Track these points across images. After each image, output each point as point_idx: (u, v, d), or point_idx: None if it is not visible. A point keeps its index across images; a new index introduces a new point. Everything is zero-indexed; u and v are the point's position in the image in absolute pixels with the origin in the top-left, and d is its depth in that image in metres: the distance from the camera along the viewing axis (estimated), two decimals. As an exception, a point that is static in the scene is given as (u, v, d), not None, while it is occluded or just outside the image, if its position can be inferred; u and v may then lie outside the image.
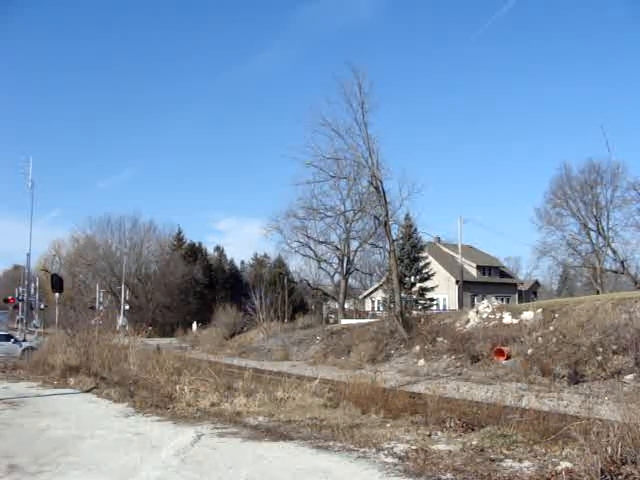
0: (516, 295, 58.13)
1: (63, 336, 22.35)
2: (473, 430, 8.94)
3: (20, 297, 37.45)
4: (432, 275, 44.10)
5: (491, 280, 56.81)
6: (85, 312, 29.84)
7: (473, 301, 47.67)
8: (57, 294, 32.87)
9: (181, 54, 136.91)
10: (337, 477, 6.37)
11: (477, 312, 28.34)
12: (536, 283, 65.90)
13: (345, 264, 50.05)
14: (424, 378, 21.87)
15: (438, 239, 58.15)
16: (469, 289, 51.91)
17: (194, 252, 73.25)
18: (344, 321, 43.30)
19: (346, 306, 51.56)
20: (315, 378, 13.98)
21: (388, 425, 9.62)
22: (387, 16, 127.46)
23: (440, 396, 14.74)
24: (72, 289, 63.19)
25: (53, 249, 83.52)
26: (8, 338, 29.41)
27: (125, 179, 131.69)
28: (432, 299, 44.34)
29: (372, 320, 40.30)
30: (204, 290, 68.74)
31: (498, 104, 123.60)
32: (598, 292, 43.64)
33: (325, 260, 51.56)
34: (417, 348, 27.37)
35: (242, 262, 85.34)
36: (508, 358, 22.22)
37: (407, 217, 40.87)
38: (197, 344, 43.84)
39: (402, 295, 33.19)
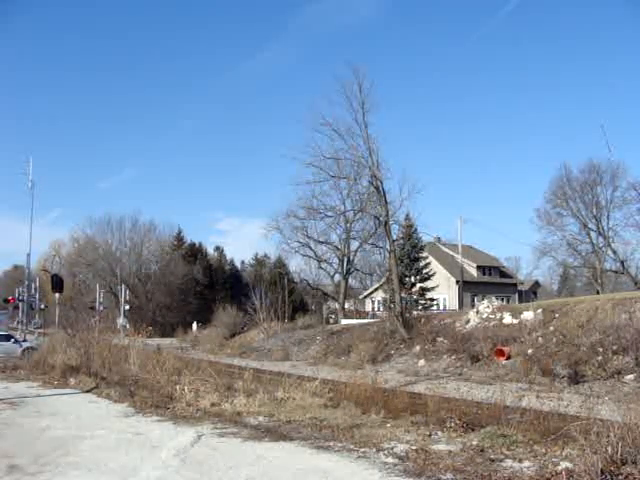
0: (516, 295, 58.10)
1: (63, 336, 22.37)
2: (473, 430, 8.94)
3: (20, 297, 37.41)
4: (432, 275, 44.17)
5: (491, 280, 56.80)
6: (85, 312, 29.88)
7: (473, 301, 47.67)
8: (57, 294, 32.93)
9: (181, 54, 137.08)
10: (337, 477, 6.37)
11: (477, 312, 28.34)
12: (536, 283, 65.89)
13: (345, 264, 50.04)
14: (424, 378, 21.86)
15: (438, 239, 58.13)
16: (469, 289, 51.90)
17: (194, 252, 73.17)
18: (344, 321, 43.28)
19: (346, 306, 51.52)
20: (315, 378, 13.98)
21: (388, 425, 9.62)
22: (388, 16, 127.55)
23: (440, 396, 14.78)
24: (72, 289, 63.21)
25: (53, 249, 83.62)
26: (8, 338, 29.37)
27: (125, 179, 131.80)
28: (432, 299, 44.40)
29: (372, 320, 40.29)
30: (204, 290, 68.69)
31: (498, 104, 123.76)
32: (598, 292, 43.64)
33: (325, 260, 51.56)
34: (417, 348, 27.37)
35: (242, 262, 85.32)
36: (508, 358, 22.22)
37: (407, 217, 40.99)
38: (197, 344, 43.85)
39: (402, 295, 33.19)
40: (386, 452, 7.39)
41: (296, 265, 59.88)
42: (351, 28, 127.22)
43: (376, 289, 54.58)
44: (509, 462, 6.77)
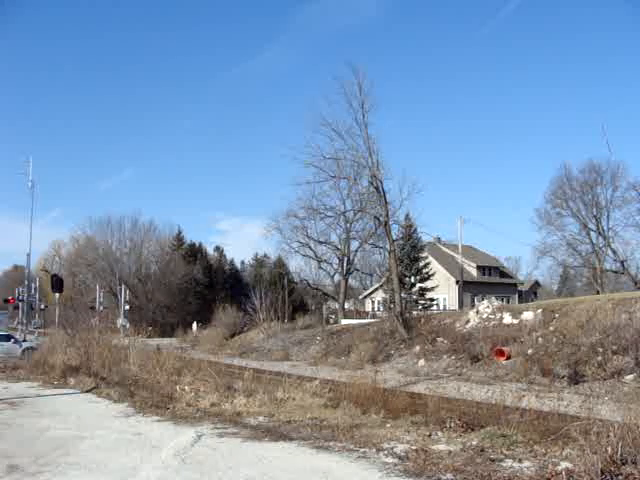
0: (516, 295, 58.12)
1: (63, 336, 22.36)
2: (473, 430, 8.94)
3: (20, 297, 37.41)
4: (432, 275, 44.16)
5: (491, 280, 56.79)
6: (85, 312, 29.87)
7: (473, 301, 47.66)
8: (57, 294, 32.90)
9: (181, 54, 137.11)
10: (337, 477, 6.37)
11: (477, 312, 28.32)
12: (536, 283, 65.90)
13: (345, 264, 50.03)
14: (424, 378, 21.86)
15: (438, 239, 58.13)
16: (469, 289, 51.90)
17: (194, 252, 73.18)
18: (344, 321, 43.28)
19: (346, 306, 51.52)
20: (315, 378, 14.02)
21: (388, 425, 9.62)
22: (388, 16, 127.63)
23: (440, 396, 14.79)
24: (72, 289, 63.16)
25: (53, 249, 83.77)
26: (8, 338, 29.37)
27: (125, 179, 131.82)
28: (432, 299, 44.40)
29: (372, 320, 40.28)
30: (204, 290, 68.67)
31: (499, 104, 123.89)
32: (598, 292, 43.62)
33: (325, 260, 51.55)
34: (417, 348, 27.36)
35: (242, 262, 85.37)
36: (508, 358, 22.21)
37: (407, 217, 40.94)
38: (197, 344, 43.79)
39: (402, 295, 33.18)
40: (386, 452, 7.39)
41: (296, 265, 60.10)
42: (351, 28, 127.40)
43: (376, 289, 54.59)
44: (509, 462, 6.77)
